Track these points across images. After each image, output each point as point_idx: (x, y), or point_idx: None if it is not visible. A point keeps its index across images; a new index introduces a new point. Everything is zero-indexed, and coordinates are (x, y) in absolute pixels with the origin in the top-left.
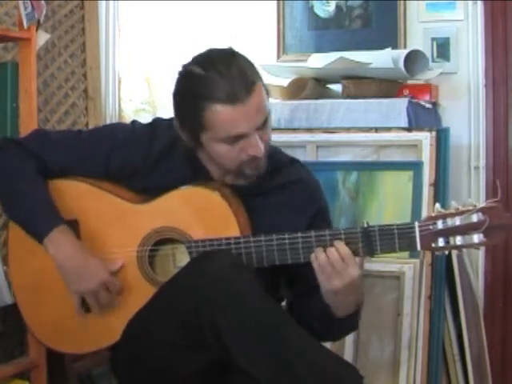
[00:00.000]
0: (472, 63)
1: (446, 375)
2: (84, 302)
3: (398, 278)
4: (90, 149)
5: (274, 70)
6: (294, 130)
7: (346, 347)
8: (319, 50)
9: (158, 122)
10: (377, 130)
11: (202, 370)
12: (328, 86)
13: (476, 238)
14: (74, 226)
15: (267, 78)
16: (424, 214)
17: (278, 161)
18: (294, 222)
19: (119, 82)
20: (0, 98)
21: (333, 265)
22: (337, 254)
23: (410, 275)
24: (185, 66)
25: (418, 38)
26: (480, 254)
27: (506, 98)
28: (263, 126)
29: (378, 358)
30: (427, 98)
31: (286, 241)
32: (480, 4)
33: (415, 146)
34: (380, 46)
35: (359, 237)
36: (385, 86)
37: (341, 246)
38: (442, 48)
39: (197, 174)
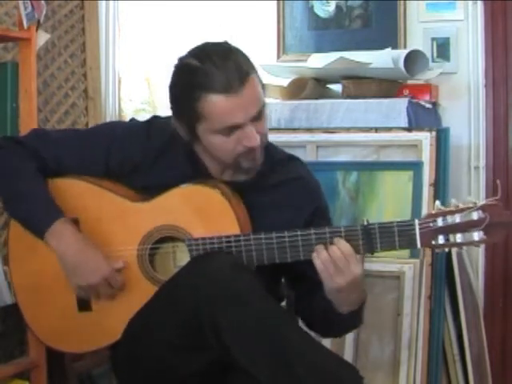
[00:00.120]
0: (472, 63)
1: (446, 375)
2: (84, 301)
3: (397, 277)
4: (89, 146)
5: (274, 70)
6: (294, 130)
7: (346, 347)
8: (319, 50)
9: (155, 119)
10: (377, 130)
11: (202, 370)
12: (328, 85)
13: (476, 235)
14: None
15: (267, 78)
16: (424, 214)
17: (275, 157)
18: (293, 220)
19: (119, 82)
20: (0, 98)
21: (335, 263)
22: (339, 252)
23: (409, 275)
24: (180, 59)
25: (418, 38)
26: (480, 254)
27: (506, 98)
28: (258, 117)
29: (378, 357)
30: (427, 98)
31: (286, 239)
32: (480, 4)
33: (415, 146)
34: (380, 46)
35: (359, 234)
36: (385, 86)
37: (342, 243)
38: (442, 48)
39: (196, 172)
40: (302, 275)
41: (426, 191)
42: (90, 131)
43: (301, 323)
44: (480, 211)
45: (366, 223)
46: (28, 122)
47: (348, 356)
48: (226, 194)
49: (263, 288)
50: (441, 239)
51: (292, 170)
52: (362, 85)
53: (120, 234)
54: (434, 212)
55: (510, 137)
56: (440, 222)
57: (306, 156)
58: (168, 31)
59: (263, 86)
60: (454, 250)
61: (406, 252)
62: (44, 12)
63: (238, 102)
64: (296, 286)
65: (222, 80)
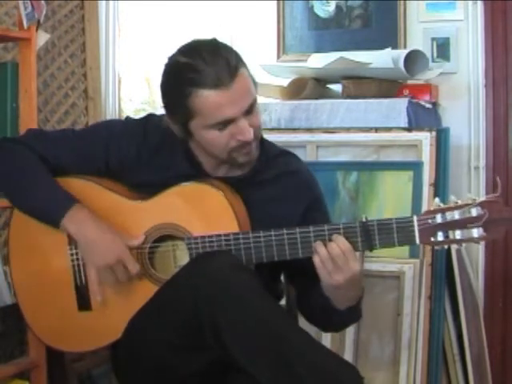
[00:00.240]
0: (472, 63)
1: (446, 375)
2: (84, 300)
3: (398, 277)
4: (88, 144)
5: (274, 70)
6: (294, 129)
7: (346, 347)
8: (319, 50)
9: (151, 117)
10: (377, 130)
11: (202, 370)
12: (328, 85)
13: (475, 232)
14: None
15: (267, 78)
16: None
17: (270, 152)
18: (290, 213)
19: (119, 82)
20: (0, 98)
21: (334, 260)
22: (338, 249)
23: (410, 275)
24: (170, 57)
25: (418, 38)
26: (480, 254)
27: (506, 98)
28: (250, 110)
29: (378, 357)
30: (427, 98)
31: (285, 236)
32: (480, 4)
33: (415, 146)
34: (380, 46)
35: (358, 231)
36: (385, 86)
37: (341, 240)
38: (442, 48)
39: (192, 169)
40: (300, 270)
41: (426, 191)
42: (87, 130)
43: (301, 320)
44: (479, 208)
45: (364, 220)
46: (28, 122)
47: (348, 356)
48: (225, 192)
49: (263, 287)
50: (440, 236)
51: (287, 164)
52: (362, 85)
53: (120, 232)
54: (432, 209)
55: (510, 137)
56: (439, 219)
57: (306, 156)
58: (168, 31)
59: (254, 80)
60: (454, 247)
61: (406, 252)
62: (44, 12)
63: (228, 96)
64: (295, 281)
65: (212, 75)
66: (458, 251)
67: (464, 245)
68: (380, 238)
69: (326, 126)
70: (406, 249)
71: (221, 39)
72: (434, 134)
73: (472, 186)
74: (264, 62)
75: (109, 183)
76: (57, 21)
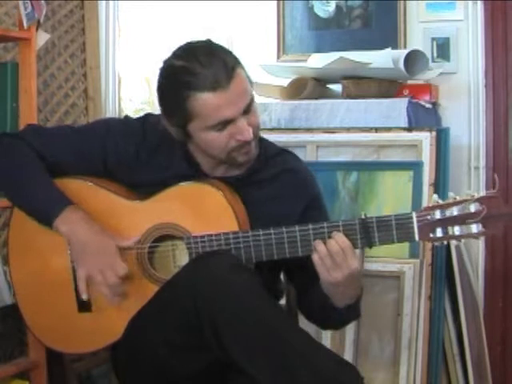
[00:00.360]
0: (472, 63)
1: (446, 375)
2: (84, 301)
3: (397, 277)
4: (86, 144)
5: (274, 70)
6: (294, 129)
7: (346, 347)
8: (319, 50)
9: (149, 116)
10: (377, 130)
11: (202, 370)
12: (328, 85)
13: (474, 227)
14: None
15: (267, 78)
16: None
17: (268, 152)
18: (289, 211)
19: (119, 82)
20: (0, 98)
21: (333, 257)
22: (337, 246)
23: (409, 275)
24: (166, 61)
25: (417, 38)
26: (480, 254)
27: (506, 98)
28: (248, 110)
29: (378, 357)
30: (427, 98)
31: (284, 234)
32: (480, 4)
33: (415, 146)
34: (380, 46)
35: (357, 228)
36: (385, 86)
37: (340, 237)
38: (442, 48)
39: (190, 169)
40: (300, 268)
41: (426, 191)
42: (86, 127)
43: (301, 319)
44: (477, 203)
45: (363, 217)
46: (28, 122)
47: (348, 356)
48: (225, 192)
49: (263, 287)
50: (439, 232)
51: (285, 163)
52: (362, 85)
53: (119, 232)
54: (431, 205)
55: (510, 137)
56: (438, 215)
57: (306, 156)
58: (168, 31)
59: (250, 79)
60: (453, 243)
61: (405, 252)
62: (44, 12)
63: (227, 98)
64: (295, 280)
65: (209, 78)
66: (458, 251)
67: (463, 241)
68: (379, 234)
69: (326, 126)
70: (405, 249)
71: (215, 40)
72: (434, 133)
73: (472, 186)
74: (264, 62)
75: (107, 183)
76: (57, 21)
